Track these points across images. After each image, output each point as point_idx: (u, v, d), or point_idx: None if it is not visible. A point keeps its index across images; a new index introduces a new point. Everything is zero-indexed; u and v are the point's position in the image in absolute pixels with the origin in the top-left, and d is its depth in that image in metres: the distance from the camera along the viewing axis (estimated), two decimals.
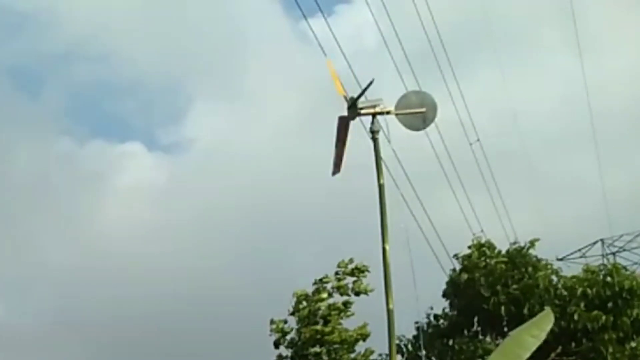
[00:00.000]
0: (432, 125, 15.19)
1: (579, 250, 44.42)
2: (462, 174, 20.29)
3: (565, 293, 18.31)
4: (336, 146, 14.28)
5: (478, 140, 20.68)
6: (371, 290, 17.29)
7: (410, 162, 17.36)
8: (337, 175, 14.46)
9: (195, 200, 49.60)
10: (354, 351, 17.19)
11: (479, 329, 19.00)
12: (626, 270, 19.43)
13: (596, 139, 34.63)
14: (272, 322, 17.62)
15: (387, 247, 13.79)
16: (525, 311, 17.64)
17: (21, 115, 55.27)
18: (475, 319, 19.01)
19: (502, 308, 17.98)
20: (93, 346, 35.42)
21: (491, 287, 18.10)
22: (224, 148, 53.54)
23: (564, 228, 40.50)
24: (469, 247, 19.15)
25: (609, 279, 18.54)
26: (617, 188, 41.19)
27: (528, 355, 5.46)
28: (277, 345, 17.53)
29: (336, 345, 16.96)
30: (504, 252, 19.12)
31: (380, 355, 18.63)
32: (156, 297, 37.67)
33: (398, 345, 18.45)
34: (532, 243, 19.19)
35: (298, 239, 38.97)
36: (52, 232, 49.19)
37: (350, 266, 17.56)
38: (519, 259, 18.67)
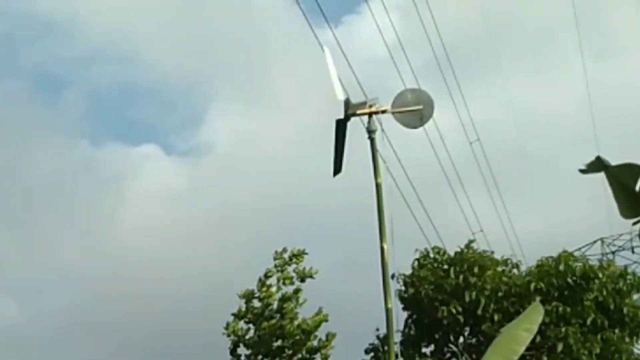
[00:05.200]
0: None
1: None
2: (463, 174, 20.23)
3: (518, 290, 17.59)
4: (336, 148, 14.31)
5: (478, 139, 20.63)
6: (316, 272, 17.07)
7: (415, 162, 17.32)
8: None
9: (213, 202, 49.33)
10: (315, 337, 16.81)
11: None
12: (574, 257, 18.64)
13: (597, 136, 34.67)
14: (227, 325, 17.13)
15: (385, 246, 13.80)
16: (480, 312, 17.27)
17: (41, 118, 55.22)
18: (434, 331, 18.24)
19: (460, 318, 17.32)
20: (108, 348, 35.21)
21: (443, 303, 17.35)
22: (243, 151, 53.38)
23: (563, 227, 40.47)
24: (417, 258, 18.32)
25: (561, 267, 17.90)
26: None
27: (523, 349, 5.46)
28: (234, 348, 17.04)
29: (297, 337, 16.66)
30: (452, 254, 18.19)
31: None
32: (173, 299, 37.48)
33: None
34: (467, 246, 18.35)
35: (316, 240, 38.84)
36: (68, 234, 48.98)
37: (285, 255, 17.27)
38: (459, 264, 17.77)
